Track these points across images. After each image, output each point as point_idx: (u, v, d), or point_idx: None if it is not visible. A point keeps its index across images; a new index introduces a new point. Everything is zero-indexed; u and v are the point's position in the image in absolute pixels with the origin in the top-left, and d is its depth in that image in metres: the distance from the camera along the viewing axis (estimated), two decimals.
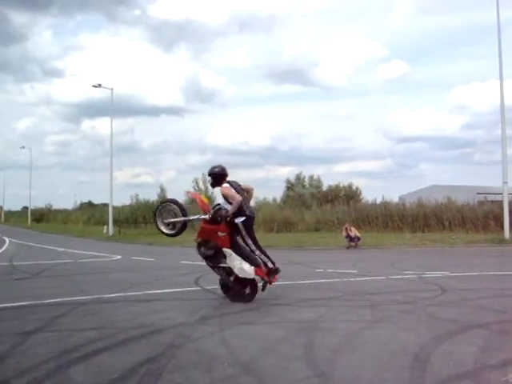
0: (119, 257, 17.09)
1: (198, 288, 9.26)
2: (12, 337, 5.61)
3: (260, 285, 7.86)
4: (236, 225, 7.79)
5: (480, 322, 6.21)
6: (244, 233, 7.87)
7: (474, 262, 14.36)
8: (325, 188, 52.42)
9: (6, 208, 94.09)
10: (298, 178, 54.93)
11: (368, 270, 12.11)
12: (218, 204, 8.02)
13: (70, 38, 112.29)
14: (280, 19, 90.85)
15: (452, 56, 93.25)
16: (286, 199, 49.12)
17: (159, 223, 8.46)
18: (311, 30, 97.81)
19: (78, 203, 73.58)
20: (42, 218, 69.74)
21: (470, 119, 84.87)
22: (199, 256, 8.06)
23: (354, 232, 20.41)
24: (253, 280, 7.78)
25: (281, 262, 14.21)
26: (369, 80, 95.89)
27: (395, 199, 36.83)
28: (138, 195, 50.66)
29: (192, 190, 49.77)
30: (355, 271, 11.78)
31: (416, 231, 28.08)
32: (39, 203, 78.55)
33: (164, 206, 8.59)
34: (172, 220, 8.29)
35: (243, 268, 7.62)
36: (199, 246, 7.97)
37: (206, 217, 7.83)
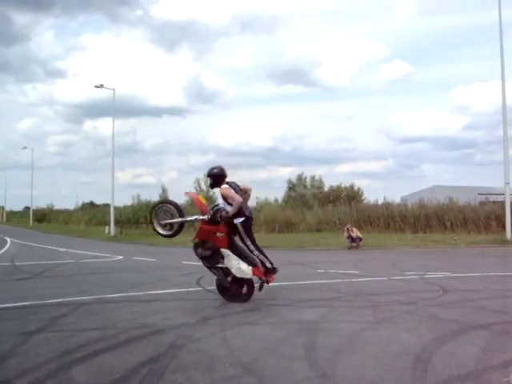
0: (121, 257, 17.10)
1: (200, 288, 9.26)
2: (14, 337, 5.61)
3: (257, 285, 7.87)
4: (235, 225, 7.80)
5: (482, 322, 6.20)
6: (243, 233, 7.89)
7: (475, 263, 14.36)
8: (326, 188, 52.43)
9: (7, 208, 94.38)
10: (300, 178, 54.94)
11: (369, 271, 12.10)
12: (217, 205, 8.00)
13: (72, 38, 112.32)
14: (282, 20, 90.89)
15: (454, 57, 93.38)
16: (288, 200, 49.12)
17: (155, 224, 8.40)
18: (313, 30, 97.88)
19: (80, 203, 73.81)
20: (44, 218, 69.83)
21: (471, 120, 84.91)
22: (196, 256, 8.05)
23: (355, 232, 20.40)
24: (250, 280, 7.81)
25: (282, 262, 14.26)
26: (371, 80, 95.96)
27: (397, 200, 36.88)
28: (139, 196, 50.79)
29: (194, 190, 49.89)
30: (357, 272, 11.78)
31: (418, 232, 28.06)
32: (41, 203, 78.73)
33: (160, 206, 8.56)
34: (169, 221, 8.24)
35: (241, 268, 7.64)
36: (196, 246, 7.96)
37: (205, 217, 7.84)
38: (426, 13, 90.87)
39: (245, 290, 7.87)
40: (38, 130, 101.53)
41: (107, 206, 43.83)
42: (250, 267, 7.68)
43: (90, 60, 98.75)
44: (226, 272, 7.78)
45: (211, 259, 7.85)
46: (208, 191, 53.27)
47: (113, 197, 35.05)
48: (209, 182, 8.33)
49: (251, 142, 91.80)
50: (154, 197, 49.61)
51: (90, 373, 4.35)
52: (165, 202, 8.93)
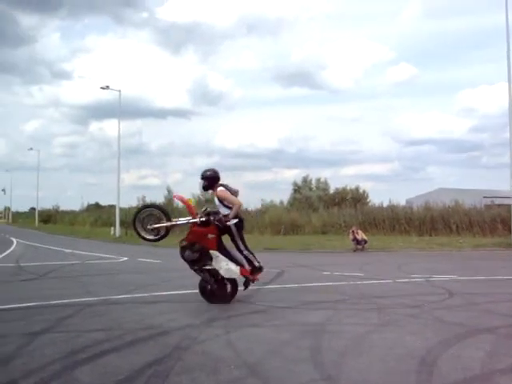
0: (126, 258, 17.13)
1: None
2: (19, 337, 5.63)
3: (241, 288, 8.00)
4: (227, 226, 7.87)
5: (488, 326, 6.18)
6: (236, 234, 7.98)
7: (481, 266, 14.31)
8: (332, 191, 52.24)
9: (13, 209, 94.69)
10: (305, 180, 54.80)
11: (375, 273, 12.07)
12: (205, 209, 8.10)
13: (78, 40, 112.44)
14: (288, 22, 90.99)
15: (460, 59, 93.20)
16: (293, 202, 49.01)
17: (139, 229, 8.19)
18: (319, 33, 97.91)
19: (85, 205, 73.82)
20: (50, 219, 69.98)
21: (477, 122, 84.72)
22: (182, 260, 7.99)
23: (360, 235, 20.36)
24: (234, 280, 7.91)
25: (287, 264, 14.28)
26: (376, 83, 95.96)
27: (402, 202, 36.75)
28: (144, 197, 50.77)
29: (199, 192, 49.80)
30: (362, 274, 11.75)
31: (423, 235, 27.99)
32: (47, 204, 78.80)
33: (145, 211, 8.35)
34: (156, 225, 8.09)
35: (230, 268, 7.73)
36: (184, 249, 7.89)
37: (197, 220, 7.83)
38: (432, 15, 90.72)
39: (229, 290, 7.94)
40: (44, 131, 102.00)
41: (112, 207, 43.92)
42: (238, 267, 7.79)
43: (95, 62, 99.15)
44: (213, 273, 7.81)
45: (199, 262, 7.83)
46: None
47: (118, 198, 35.18)
48: (202, 185, 8.25)
49: (256, 144, 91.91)
50: (159, 198, 49.65)
51: (94, 373, 4.36)
52: (149, 205, 8.76)
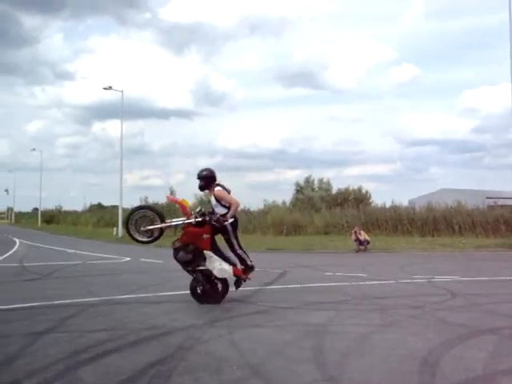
0: (128, 258, 17.14)
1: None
2: (22, 337, 5.65)
3: (232, 289, 8.07)
4: (223, 226, 7.90)
5: (490, 327, 6.18)
6: (231, 233, 8.02)
7: (483, 267, 14.30)
8: (334, 191, 52.16)
9: (16, 209, 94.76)
10: (308, 181, 54.74)
11: (377, 274, 12.07)
12: (200, 209, 8.13)
13: (81, 41, 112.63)
14: (290, 22, 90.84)
15: (462, 59, 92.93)
16: (296, 202, 48.95)
17: (133, 232, 8.11)
18: (321, 33, 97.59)
19: (88, 205, 73.81)
20: (52, 219, 70.02)
21: (480, 123, 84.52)
22: (176, 261, 7.97)
23: (363, 235, 20.34)
24: (225, 280, 7.96)
25: (290, 264, 14.29)
26: (379, 83, 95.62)
27: (405, 203, 36.61)
28: (147, 197, 50.66)
29: (201, 193, 49.83)
30: (364, 275, 11.75)
31: (425, 235, 27.91)
32: (49, 205, 78.69)
33: (138, 213, 8.23)
34: (150, 227, 8.05)
35: (224, 268, 7.78)
36: (177, 250, 7.87)
37: (192, 221, 7.83)
38: (435, 15, 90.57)
39: (220, 290, 7.98)
40: (46, 131, 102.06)
41: (115, 207, 43.92)
42: (231, 267, 7.86)
43: (98, 62, 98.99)
44: (206, 274, 7.82)
45: (192, 262, 7.82)
46: None
47: (121, 198, 35.15)
48: (198, 185, 8.26)
49: (259, 144, 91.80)
50: (162, 199, 49.69)
51: (97, 374, 4.38)
52: (142, 207, 8.69)
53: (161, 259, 16.20)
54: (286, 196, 64.30)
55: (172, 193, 51.61)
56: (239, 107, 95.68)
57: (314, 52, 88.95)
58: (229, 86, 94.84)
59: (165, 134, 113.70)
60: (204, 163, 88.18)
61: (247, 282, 8.22)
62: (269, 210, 39.13)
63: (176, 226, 8.30)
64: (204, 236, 7.80)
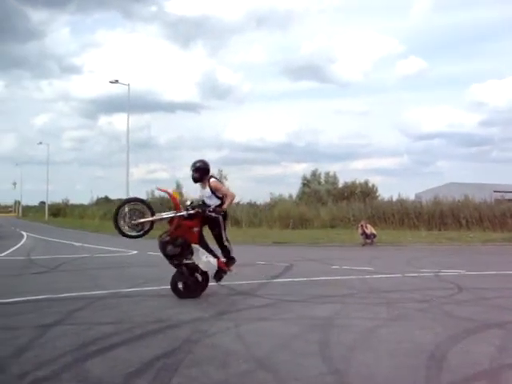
0: (135, 252, 17.16)
1: (214, 283, 9.28)
2: (31, 330, 5.68)
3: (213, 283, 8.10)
4: (213, 219, 7.89)
5: (497, 321, 6.17)
6: (222, 225, 8.03)
7: (491, 261, 14.26)
8: (341, 185, 52.13)
9: (23, 203, 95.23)
10: (314, 174, 54.69)
11: (384, 268, 12.05)
12: (192, 202, 8.09)
13: (88, 34, 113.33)
14: (297, 15, 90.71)
15: (470, 53, 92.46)
16: (302, 196, 48.94)
17: (121, 225, 7.81)
18: (328, 26, 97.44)
19: (95, 198, 74.10)
20: (59, 212, 70.29)
21: (487, 116, 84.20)
22: (165, 254, 7.81)
23: (369, 229, 20.30)
24: (206, 273, 7.90)
25: (296, 258, 14.29)
26: (386, 76, 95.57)
27: (411, 197, 36.53)
28: (153, 191, 50.90)
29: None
30: (371, 268, 11.74)
31: (432, 229, 27.83)
32: (56, 198, 79.16)
33: (127, 206, 7.96)
34: (141, 220, 7.79)
35: (210, 261, 7.75)
36: (166, 244, 7.71)
37: (184, 213, 7.72)
38: (442, 8, 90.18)
39: (202, 284, 7.95)
40: (53, 125, 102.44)
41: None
42: (216, 259, 7.86)
43: (105, 56, 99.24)
44: (192, 267, 7.78)
45: (180, 256, 7.73)
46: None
47: (127, 192, 35.25)
48: (193, 176, 8.10)
49: (265, 137, 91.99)
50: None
51: (105, 366, 4.39)
52: (131, 200, 8.35)
53: None
54: (292, 189, 64.23)
55: (178, 186, 51.72)
56: (246, 100, 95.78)
57: (320, 45, 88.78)
58: (235, 80, 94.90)
59: (171, 127, 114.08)
60: (211, 156, 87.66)
61: (240, 274, 8.22)
62: (275, 203, 39.10)
63: (167, 219, 7.99)
64: (194, 229, 7.75)
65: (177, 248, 7.67)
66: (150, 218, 7.81)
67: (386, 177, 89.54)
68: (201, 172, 8.08)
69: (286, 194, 44.72)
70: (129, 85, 35.67)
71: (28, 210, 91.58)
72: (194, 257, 7.71)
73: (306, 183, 53.47)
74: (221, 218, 7.96)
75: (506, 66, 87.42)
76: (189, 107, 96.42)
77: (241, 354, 4.77)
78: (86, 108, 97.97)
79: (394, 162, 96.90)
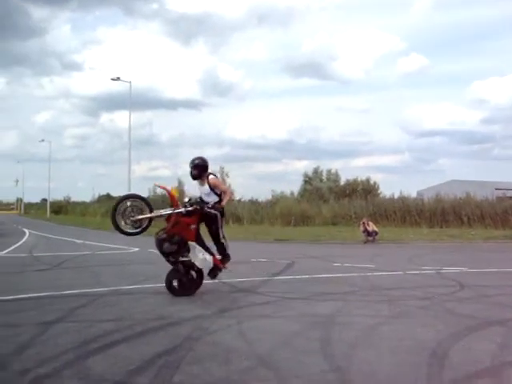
0: (137, 249, 17.17)
1: (215, 280, 9.27)
2: (32, 327, 5.69)
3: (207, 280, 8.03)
4: (211, 215, 7.87)
5: (499, 318, 6.16)
6: (220, 222, 8.00)
7: (492, 258, 14.25)
8: (342, 182, 52.15)
9: (25, 200, 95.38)
10: (316, 171, 54.67)
11: (385, 265, 12.05)
12: (190, 199, 7.94)
13: (89, 32, 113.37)
14: (298, 12, 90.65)
15: (471, 50, 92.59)
16: (304, 193, 48.94)
17: (120, 222, 7.67)
18: (329, 23, 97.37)
19: (96, 196, 74.23)
20: (61, 210, 70.36)
21: (489, 114, 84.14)
22: (162, 252, 7.73)
23: (371, 226, 20.29)
24: (201, 270, 7.84)
25: (297, 255, 14.29)
26: (387, 74, 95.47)
27: (413, 194, 36.57)
28: (156, 188, 50.93)
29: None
30: (372, 266, 11.73)
31: (434, 226, 27.82)
32: (58, 196, 79.22)
33: (126, 202, 7.81)
34: (140, 217, 7.66)
35: (206, 259, 7.71)
36: (163, 241, 7.61)
37: (182, 210, 7.66)
38: (443, 6, 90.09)
39: (196, 281, 7.88)
40: (55, 122, 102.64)
41: None
42: (211, 256, 7.82)
43: (106, 53, 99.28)
44: (188, 265, 7.70)
45: (176, 254, 7.63)
46: (224, 183, 53.47)
47: (129, 189, 35.29)
48: (192, 173, 8.05)
49: (267, 135, 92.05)
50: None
51: (106, 363, 4.39)
52: (130, 196, 8.15)
53: None
54: (294, 187, 64.12)
55: (180, 183, 51.74)
56: (247, 98, 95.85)
57: (322, 42, 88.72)
58: (236, 77, 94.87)
59: (173, 124, 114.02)
60: (212, 154, 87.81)
61: (241, 272, 8.20)
62: (277, 200, 39.13)
63: (165, 216, 7.85)
64: (191, 226, 7.70)
65: (173, 245, 7.58)
66: (149, 215, 7.73)
67: (388, 174, 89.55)
68: (199, 169, 8.04)
69: (287, 192, 44.73)
70: (130, 82, 35.78)
71: (30, 208, 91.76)
72: (191, 254, 7.66)
73: (307, 180, 53.46)
74: (219, 214, 7.94)
75: (508, 63, 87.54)
76: (190, 104, 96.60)
77: (242, 351, 4.77)
78: (87, 105, 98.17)
79: (396, 159, 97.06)
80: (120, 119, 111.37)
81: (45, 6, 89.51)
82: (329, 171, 54.26)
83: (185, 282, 7.76)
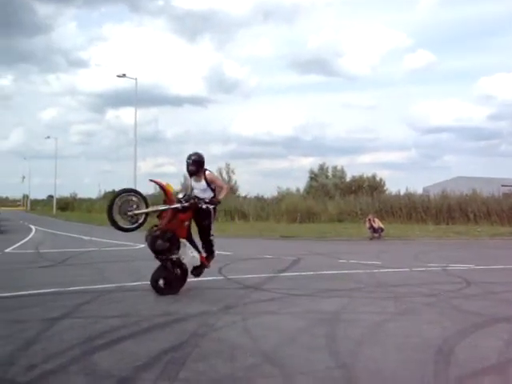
0: (142, 245, 17.10)
1: (221, 277, 9.30)
2: (38, 323, 5.70)
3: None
4: (204, 211, 7.74)
5: (506, 315, 6.14)
6: (213, 219, 7.92)
7: (499, 255, 14.20)
8: (348, 179, 52.12)
9: (31, 197, 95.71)
10: (322, 168, 54.63)
11: (391, 262, 12.03)
12: (185, 194, 7.80)
13: (95, 28, 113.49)
14: (304, 9, 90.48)
15: (478, 46, 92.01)
16: (310, 189, 48.95)
17: (117, 218, 7.36)
18: (335, 19, 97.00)
19: (102, 192, 74.25)
20: (67, 206, 70.44)
21: (496, 110, 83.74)
22: (154, 250, 7.46)
23: (377, 223, 20.25)
24: (186, 269, 7.68)
25: (303, 252, 14.28)
26: (393, 70, 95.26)
27: (419, 191, 36.45)
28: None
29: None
30: (378, 262, 11.71)
31: (440, 223, 27.75)
32: (64, 192, 79.30)
33: (122, 196, 7.52)
34: (138, 212, 7.46)
35: (195, 257, 7.59)
36: (156, 238, 7.36)
37: (178, 206, 7.47)
38: (450, 2, 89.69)
39: (181, 279, 7.71)
40: (61, 119, 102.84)
41: None
42: (199, 254, 7.70)
43: (112, 50, 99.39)
44: (177, 263, 7.53)
45: (168, 251, 7.40)
46: (230, 180, 53.55)
47: (135, 186, 35.27)
48: (190, 169, 7.87)
49: (272, 131, 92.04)
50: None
51: (112, 359, 4.40)
52: (128, 190, 7.82)
53: None
54: (299, 183, 64.24)
55: (186, 180, 51.67)
56: (253, 94, 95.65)
57: (327, 39, 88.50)
58: (242, 73, 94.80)
59: (178, 121, 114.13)
60: (218, 150, 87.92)
61: (247, 268, 8.15)
62: (282, 197, 39.11)
63: (161, 211, 7.66)
64: (185, 223, 7.57)
65: (166, 242, 7.35)
66: (145, 210, 7.59)
67: (394, 171, 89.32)
68: (197, 165, 7.93)
69: (293, 188, 44.72)
70: (136, 79, 35.79)
71: (36, 204, 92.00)
72: (181, 251, 7.49)
73: (313, 177, 53.45)
74: (212, 210, 7.83)
75: None
76: (196, 101, 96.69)
77: (247, 347, 4.77)
78: (93, 102, 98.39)
79: (402, 155, 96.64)
80: (126, 116, 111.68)
81: (50, 3, 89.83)
82: (335, 168, 54.25)
83: (171, 280, 7.54)
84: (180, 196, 7.73)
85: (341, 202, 35.43)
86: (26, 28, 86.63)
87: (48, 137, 69.03)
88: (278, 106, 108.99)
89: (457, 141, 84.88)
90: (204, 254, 7.87)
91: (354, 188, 46.18)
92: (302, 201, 36.15)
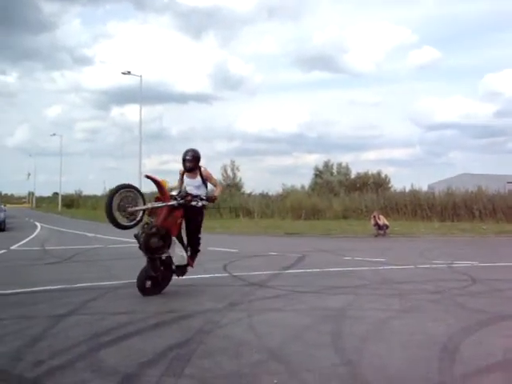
0: None
1: (227, 274, 9.33)
2: (45, 320, 5.74)
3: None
4: (198, 209, 7.60)
5: (511, 312, 6.14)
6: (203, 217, 7.83)
7: (504, 253, 14.15)
8: (353, 176, 52.16)
9: (37, 194, 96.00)
10: (327, 165, 54.67)
11: (396, 259, 12.01)
12: (180, 191, 7.57)
13: (99, 26, 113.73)
14: (309, 6, 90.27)
15: (484, 42, 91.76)
16: (314, 186, 49.00)
17: (116, 214, 7.06)
18: (340, 16, 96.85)
19: (108, 189, 74.42)
20: (72, 203, 70.65)
21: (502, 107, 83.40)
22: (148, 248, 7.19)
23: (382, 220, 20.24)
24: (171, 269, 7.51)
25: (308, 249, 14.29)
26: (399, 67, 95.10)
27: (424, 187, 36.35)
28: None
29: (221, 177, 49.87)
30: (383, 259, 11.70)
31: (445, 220, 27.69)
32: (69, 189, 79.65)
33: (120, 192, 7.16)
34: (137, 208, 7.22)
35: (183, 255, 7.40)
36: (151, 236, 7.10)
37: (174, 203, 7.28)
38: None
39: (167, 279, 7.57)
40: (66, 116, 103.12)
41: None
42: (186, 254, 7.55)
43: (116, 47, 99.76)
44: (166, 262, 7.38)
45: (159, 250, 7.20)
46: (235, 177, 53.60)
47: (140, 183, 35.31)
48: (189, 166, 7.68)
49: (277, 128, 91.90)
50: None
51: (119, 356, 4.43)
52: (126, 186, 7.39)
53: None
54: (304, 180, 64.15)
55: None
56: (258, 91, 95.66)
57: (332, 35, 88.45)
58: (247, 70, 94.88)
59: (183, 118, 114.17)
60: (223, 147, 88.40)
61: (252, 265, 8.12)
62: (287, 194, 39.14)
63: (158, 208, 7.42)
64: (179, 221, 7.41)
65: (160, 240, 7.13)
66: (143, 207, 7.35)
67: (399, 167, 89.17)
68: (195, 161, 7.77)
69: (298, 185, 44.76)
70: (141, 76, 35.79)
71: (41, 201, 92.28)
72: (170, 250, 7.32)
73: (318, 174, 53.48)
74: (204, 209, 7.71)
75: None
76: (201, 98, 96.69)
77: (253, 344, 4.79)
78: (98, 99, 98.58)
79: (407, 152, 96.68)
80: (131, 113, 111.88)
81: (55, 1, 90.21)
82: (339, 165, 54.28)
83: (159, 280, 7.40)
84: (174, 193, 7.52)
85: (346, 199, 35.40)
86: (30, 25, 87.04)
87: (53, 134, 69.31)
88: (282, 103, 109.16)
89: (462, 138, 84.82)
90: (189, 253, 7.66)
91: (358, 185, 46.21)
92: (307, 198, 36.15)
